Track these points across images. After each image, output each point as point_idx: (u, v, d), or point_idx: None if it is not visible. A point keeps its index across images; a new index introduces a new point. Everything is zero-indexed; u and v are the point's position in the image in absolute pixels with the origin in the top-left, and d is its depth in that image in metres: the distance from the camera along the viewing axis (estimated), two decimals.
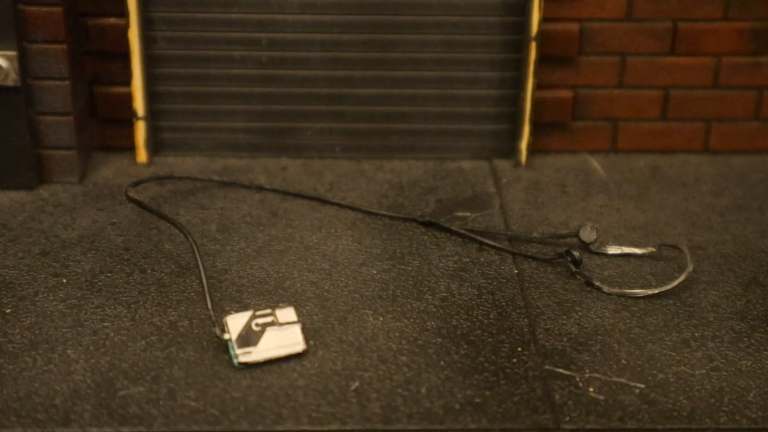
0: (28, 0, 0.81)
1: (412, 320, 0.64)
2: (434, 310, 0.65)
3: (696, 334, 0.62)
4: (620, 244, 0.71)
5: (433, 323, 0.64)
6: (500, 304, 0.65)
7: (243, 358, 0.55)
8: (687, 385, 0.59)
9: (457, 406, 0.56)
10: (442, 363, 0.59)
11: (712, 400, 0.57)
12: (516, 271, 0.68)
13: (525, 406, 0.56)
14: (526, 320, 0.64)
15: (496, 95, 0.92)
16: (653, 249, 0.69)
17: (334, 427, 0.54)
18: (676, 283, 0.65)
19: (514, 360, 0.60)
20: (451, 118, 0.89)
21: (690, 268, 0.65)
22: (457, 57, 0.90)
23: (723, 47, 0.92)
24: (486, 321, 0.64)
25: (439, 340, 0.61)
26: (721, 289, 0.68)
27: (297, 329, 0.60)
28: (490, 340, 0.62)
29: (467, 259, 0.70)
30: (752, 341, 0.62)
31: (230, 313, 0.61)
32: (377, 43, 0.88)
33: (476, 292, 0.67)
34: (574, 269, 0.66)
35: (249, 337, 0.61)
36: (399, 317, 0.64)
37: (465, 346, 0.62)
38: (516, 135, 0.90)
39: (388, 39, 0.89)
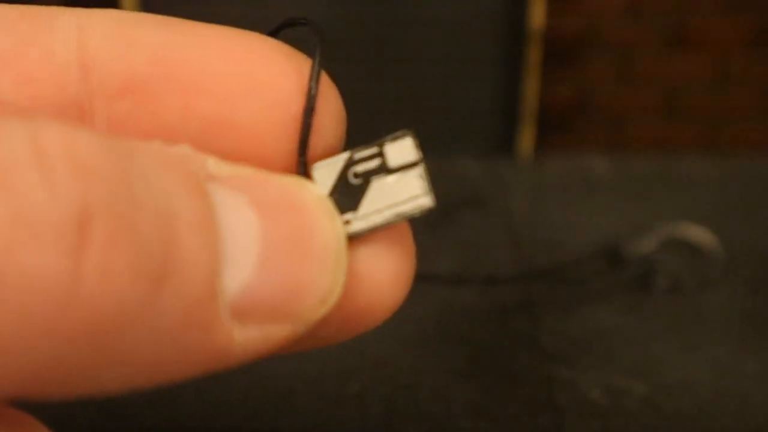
0: None
1: (412, 322, 0.64)
2: (435, 311, 0.65)
3: (701, 337, 0.62)
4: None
5: (433, 325, 0.64)
6: (501, 305, 0.65)
7: None
8: (691, 388, 0.58)
9: (458, 410, 0.56)
10: (442, 366, 0.59)
11: (717, 403, 0.56)
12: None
13: (526, 409, 0.55)
14: (527, 322, 0.64)
15: (498, 93, 0.92)
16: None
17: (333, 429, 0.54)
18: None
19: (516, 362, 0.60)
20: (452, 117, 0.89)
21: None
22: (458, 54, 0.90)
23: (730, 45, 0.92)
24: (487, 323, 0.64)
25: (440, 342, 0.61)
26: (727, 291, 0.67)
27: (417, 173, 0.44)
28: (490, 342, 0.61)
29: (468, 260, 0.70)
30: (758, 344, 0.62)
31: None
32: (375, 39, 0.88)
33: (477, 294, 0.66)
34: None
35: (346, 196, 0.48)
36: (399, 319, 0.64)
37: (466, 349, 0.62)
38: (518, 134, 0.90)
39: (387, 36, 0.89)
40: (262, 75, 0.17)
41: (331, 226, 0.16)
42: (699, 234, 0.70)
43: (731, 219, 0.81)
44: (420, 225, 0.76)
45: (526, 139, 0.89)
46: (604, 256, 0.67)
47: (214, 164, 0.15)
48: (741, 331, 0.66)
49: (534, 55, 0.88)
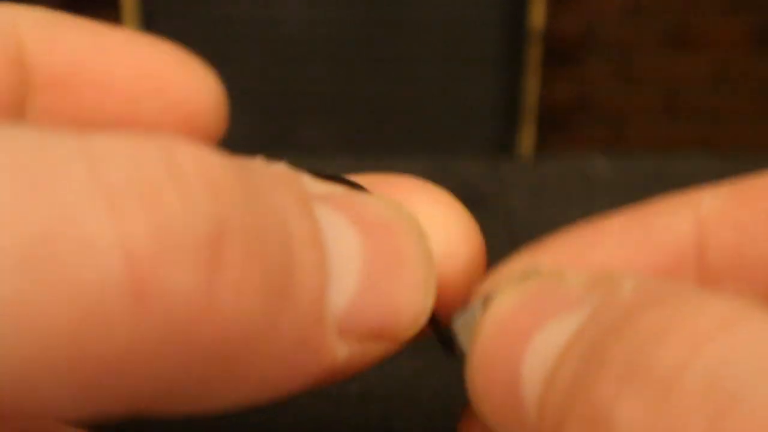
0: None
1: None
2: None
3: None
4: None
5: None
6: None
7: None
8: None
9: (458, 410, 0.55)
10: (442, 366, 0.59)
11: None
12: None
13: None
14: None
15: (498, 93, 0.92)
16: None
17: (333, 429, 0.54)
18: None
19: None
20: (453, 117, 0.89)
21: None
22: (459, 54, 0.89)
23: (730, 45, 0.92)
24: None
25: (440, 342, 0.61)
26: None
27: None
28: None
29: None
30: None
31: None
32: (377, 40, 0.87)
33: None
34: None
35: None
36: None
37: None
38: (518, 134, 0.90)
39: (389, 36, 0.89)
40: (163, 78, 0.18)
41: (424, 246, 0.16)
42: None
43: None
44: None
45: (526, 139, 0.89)
46: None
47: (309, 182, 0.16)
48: None
49: (534, 55, 0.88)
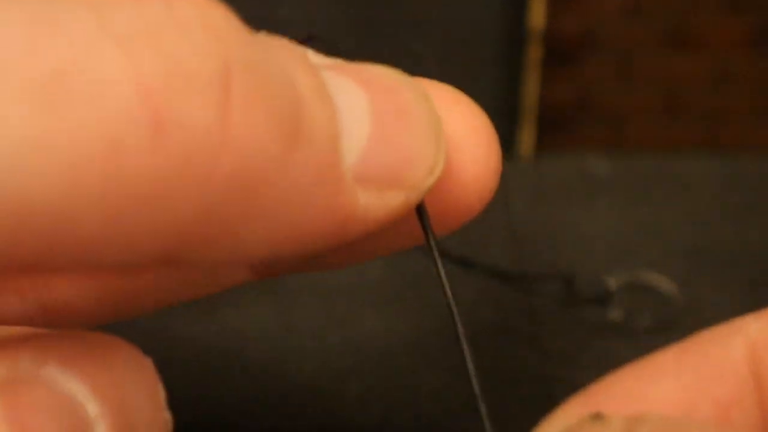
0: None
1: (412, 321, 0.64)
2: (434, 311, 0.65)
3: None
4: None
5: (433, 324, 0.64)
6: (502, 305, 0.65)
7: None
8: None
9: (458, 410, 0.56)
10: (442, 365, 0.59)
11: None
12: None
13: (526, 409, 0.55)
14: (527, 322, 0.64)
15: (498, 93, 0.92)
16: None
17: (333, 429, 0.54)
18: None
19: (516, 362, 0.60)
20: None
21: None
22: (459, 54, 0.90)
23: (730, 45, 0.92)
24: (487, 322, 0.64)
25: (440, 341, 0.61)
26: (726, 290, 0.68)
27: None
28: (491, 341, 0.61)
29: (468, 260, 0.70)
30: None
31: None
32: (377, 40, 0.88)
33: (477, 293, 0.67)
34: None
35: None
36: (399, 318, 0.64)
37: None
38: (518, 134, 0.90)
39: (388, 36, 0.89)
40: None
41: (428, 104, 0.17)
42: (658, 280, 0.70)
43: (731, 219, 0.81)
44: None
45: (526, 139, 0.89)
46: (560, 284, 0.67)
47: (312, 54, 0.17)
48: None
49: (534, 55, 0.88)
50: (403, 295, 0.67)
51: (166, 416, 0.18)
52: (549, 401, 0.61)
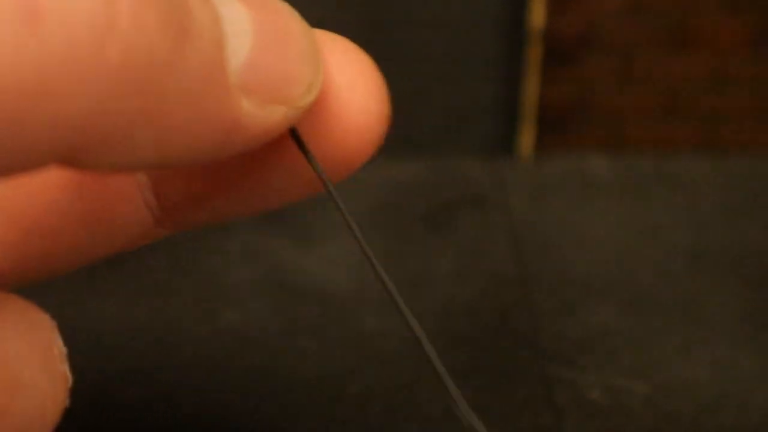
0: None
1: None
2: (434, 310, 0.65)
3: (701, 336, 0.62)
4: None
5: (433, 324, 0.63)
6: (502, 305, 0.65)
7: None
8: (691, 388, 0.58)
9: (458, 410, 0.56)
10: (442, 365, 0.59)
11: (717, 403, 0.56)
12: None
13: (526, 409, 0.55)
14: (527, 322, 0.64)
15: (498, 93, 0.92)
16: None
17: (333, 429, 0.54)
18: None
19: (516, 362, 0.60)
20: (452, 117, 0.89)
21: None
22: (458, 54, 0.90)
23: (730, 45, 0.92)
24: (487, 322, 0.64)
25: (440, 341, 0.61)
26: (726, 290, 0.67)
27: None
28: (491, 341, 0.61)
29: (468, 260, 0.70)
30: (759, 344, 0.62)
31: None
32: (376, 40, 0.88)
33: (477, 293, 0.66)
34: None
35: None
36: (398, 319, 0.64)
37: (465, 348, 0.62)
38: (518, 134, 0.90)
39: (387, 36, 0.89)
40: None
41: (308, 30, 0.18)
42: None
43: (731, 219, 0.81)
44: (419, 224, 0.77)
45: (526, 139, 0.89)
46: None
47: None
48: (741, 331, 0.66)
49: (534, 55, 0.88)
50: (403, 295, 0.67)
51: (63, 370, 0.19)
52: (549, 401, 0.61)
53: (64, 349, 0.20)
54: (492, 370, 0.61)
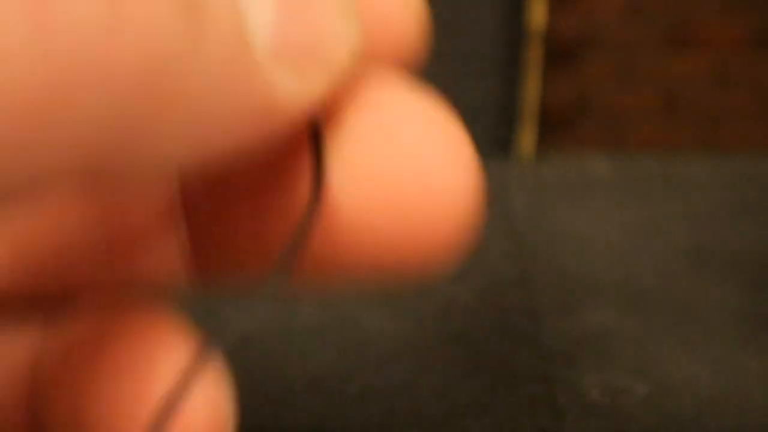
0: None
1: (412, 322, 0.63)
2: (434, 311, 0.65)
3: (701, 336, 0.62)
4: None
5: (433, 324, 0.63)
6: (502, 305, 0.65)
7: None
8: (691, 388, 0.58)
9: (458, 410, 0.55)
10: (442, 366, 0.59)
11: (717, 403, 0.56)
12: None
13: (526, 409, 0.55)
14: (527, 322, 0.64)
15: (498, 93, 0.91)
16: None
17: (333, 429, 0.54)
18: None
19: (516, 362, 0.60)
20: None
21: None
22: (459, 54, 0.89)
23: (730, 45, 0.92)
24: (487, 322, 0.64)
25: (440, 341, 0.61)
26: (727, 290, 0.67)
27: None
28: (491, 341, 0.61)
29: (468, 260, 0.70)
30: (759, 343, 0.62)
31: None
32: None
33: (477, 293, 0.66)
34: None
35: None
36: (399, 318, 0.64)
37: (466, 348, 0.61)
38: (518, 134, 0.90)
39: None
40: None
41: None
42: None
43: (731, 219, 0.81)
44: None
45: (526, 139, 0.89)
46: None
47: None
48: (741, 330, 0.66)
49: (534, 55, 0.87)
50: (404, 295, 0.67)
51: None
52: (549, 401, 0.61)
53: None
54: (492, 370, 0.61)
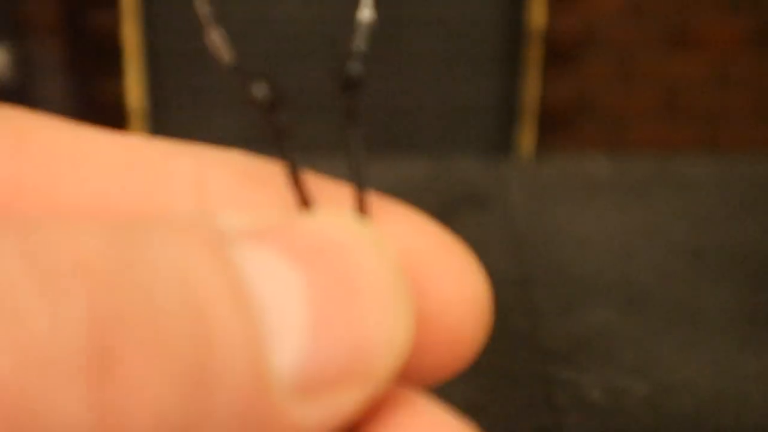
0: None
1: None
2: None
3: (701, 336, 0.62)
4: None
5: None
6: (502, 305, 0.65)
7: None
8: (691, 388, 0.58)
9: (458, 409, 0.55)
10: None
11: (717, 403, 0.56)
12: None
13: (526, 409, 0.55)
14: (527, 322, 0.63)
15: (498, 93, 0.92)
16: None
17: None
18: None
19: (516, 362, 0.60)
20: (452, 117, 0.89)
21: None
22: (459, 54, 0.90)
23: (730, 45, 0.92)
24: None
25: None
26: (726, 290, 0.67)
27: None
28: (491, 341, 0.61)
29: None
30: (758, 343, 0.62)
31: None
32: (377, 39, 0.88)
33: None
34: None
35: None
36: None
37: None
38: (518, 134, 0.90)
39: (388, 36, 0.89)
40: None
41: (385, 260, 0.13)
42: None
43: (731, 219, 0.81)
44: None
45: (526, 139, 0.89)
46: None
47: (224, 218, 0.13)
48: (741, 330, 0.66)
49: (534, 55, 0.88)
50: None
51: None
52: (549, 401, 0.61)
53: None
54: (492, 370, 0.61)
